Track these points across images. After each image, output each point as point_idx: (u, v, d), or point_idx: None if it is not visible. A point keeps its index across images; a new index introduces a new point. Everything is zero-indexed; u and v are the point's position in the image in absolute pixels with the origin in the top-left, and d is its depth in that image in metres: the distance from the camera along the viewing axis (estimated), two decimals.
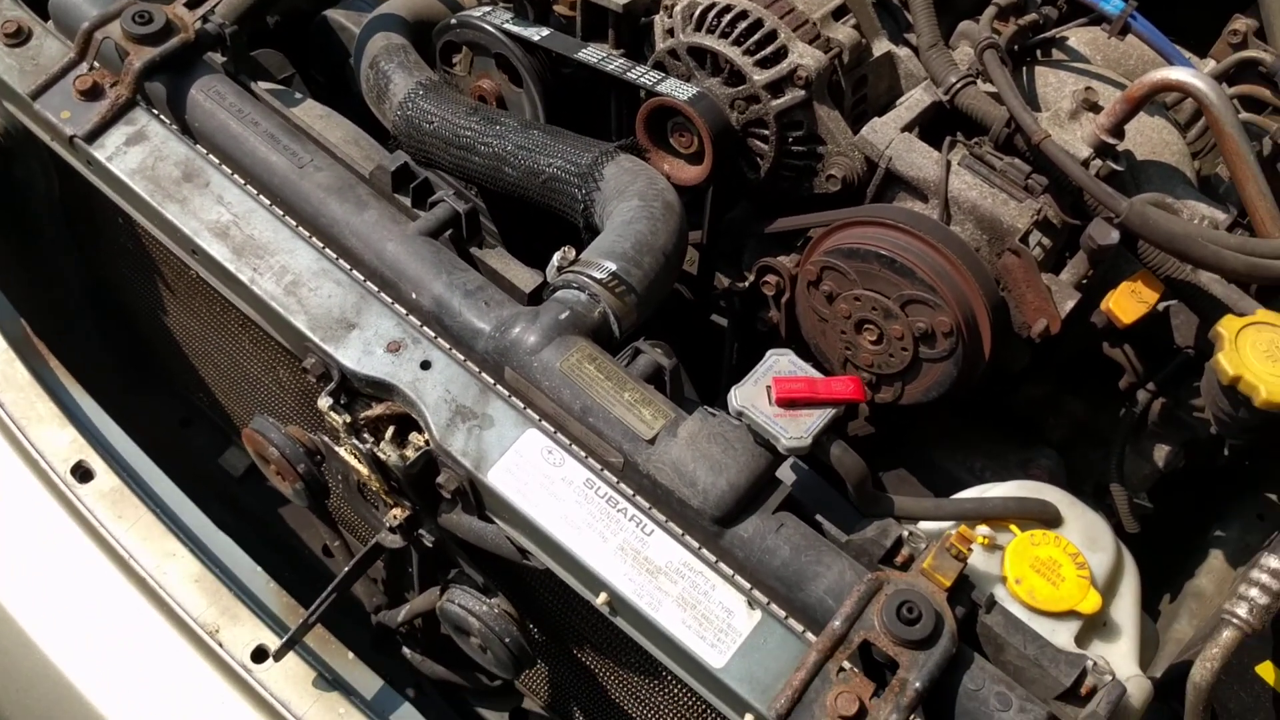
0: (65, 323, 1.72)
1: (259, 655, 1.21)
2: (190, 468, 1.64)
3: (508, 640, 1.21)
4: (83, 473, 1.31)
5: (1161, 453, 1.40)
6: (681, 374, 1.15)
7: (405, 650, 1.49)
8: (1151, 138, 1.37)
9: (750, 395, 1.05)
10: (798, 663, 0.97)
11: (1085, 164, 1.26)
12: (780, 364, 1.07)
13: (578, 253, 1.16)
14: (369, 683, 1.26)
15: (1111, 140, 1.27)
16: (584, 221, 1.26)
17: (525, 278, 1.20)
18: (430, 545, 1.22)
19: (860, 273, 1.23)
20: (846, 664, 0.98)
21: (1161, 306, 1.31)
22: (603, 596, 1.04)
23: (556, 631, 1.34)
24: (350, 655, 1.27)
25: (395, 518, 1.17)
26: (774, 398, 1.04)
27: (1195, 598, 1.44)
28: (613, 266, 1.13)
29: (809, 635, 1.03)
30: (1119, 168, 1.29)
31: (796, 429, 1.03)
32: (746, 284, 1.37)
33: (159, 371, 1.78)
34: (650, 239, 1.17)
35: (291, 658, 1.22)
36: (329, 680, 1.21)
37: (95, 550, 1.25)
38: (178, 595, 1.24)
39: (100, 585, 1.24)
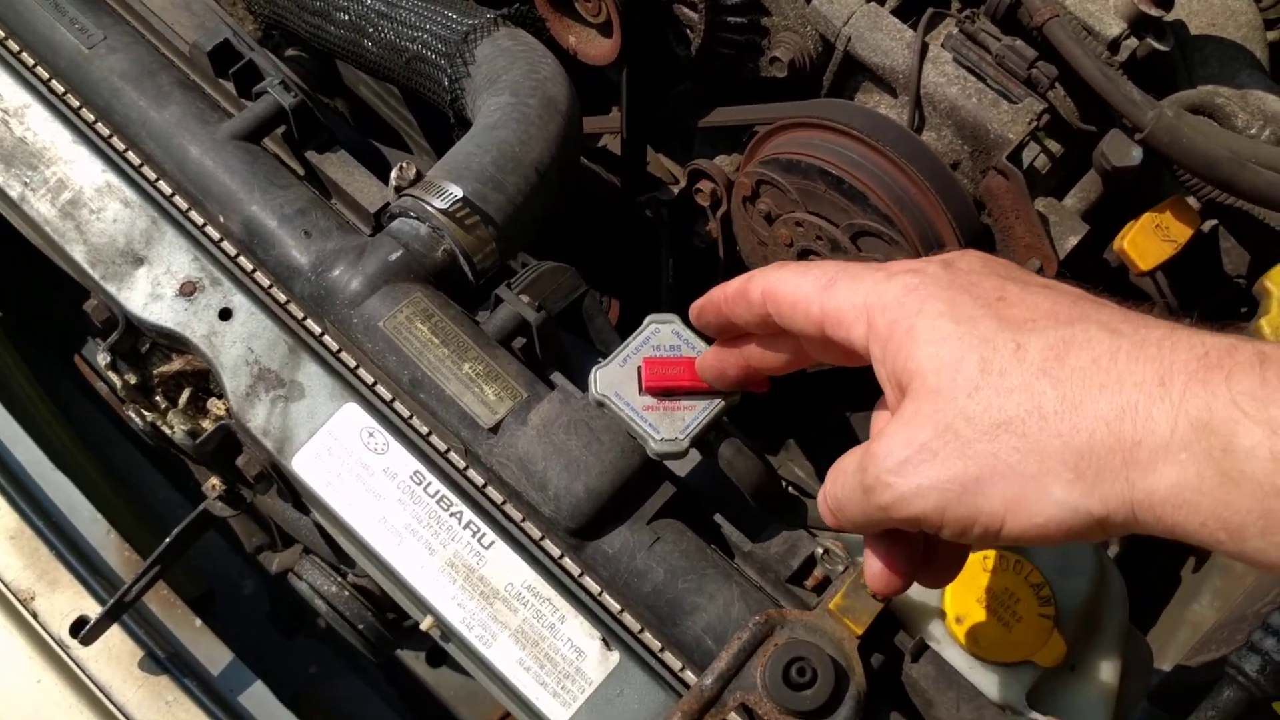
0: None
1: (78, 628, 1.04)
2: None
3: (361, 627, 1.01)
4: None
5: None
6: (554, 329, 0.89)
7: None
8: (1212, 3, 1.04)
9: (614, 380, 0.80)
10: None
11: (1116, 44, 0.95)
12: (660, 336, 0.82)
13: (427, 165, 0.90)
14: (216, 656, 1.08)
15: (1156, 10, 0.95)
16: (454, 115, 1.00)
17: (374, 193, 0.94)
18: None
19: (802, 192, 0.95)
20: (731, 718, 0.76)
21: (1207, 226, 1.02)
22: (429, 620, 0.83)
23: None
24: (198, 623, 1.09)
25: (215, 487, 0.96)
26: (644, 385, 0.80)
27: (1222, 572, 1.19)
28: (459, 192, 0.87)
29: (688, 674, 0.82)
30: (1164, 47, 0.98)
31: (671, 427, 0.79)
32: (677, 189, 1.10)
33: None
34: (518, 151, 0.90)
35: (116, 633, 1.04)
36: (157, 661, 1.04)
37: None
38: None
39: None
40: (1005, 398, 0.57)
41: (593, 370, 0.81)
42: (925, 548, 0.70)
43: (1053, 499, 0.56)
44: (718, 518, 0.87)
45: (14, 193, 0.92)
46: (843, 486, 0.65)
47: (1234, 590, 1.17)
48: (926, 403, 0.59)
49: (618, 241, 1.21)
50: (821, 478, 1.32)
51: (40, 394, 1.41)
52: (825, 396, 1.21)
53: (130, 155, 0.94)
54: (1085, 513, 0.56)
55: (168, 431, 0.88)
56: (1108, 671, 0.85)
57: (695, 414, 0.79)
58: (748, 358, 0.75)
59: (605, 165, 1.22)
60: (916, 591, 0.83)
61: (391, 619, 1.04)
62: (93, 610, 1.04)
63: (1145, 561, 1.00)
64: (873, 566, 0.71)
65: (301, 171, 0.96)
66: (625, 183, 1.16)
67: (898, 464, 0.60)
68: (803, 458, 1.31)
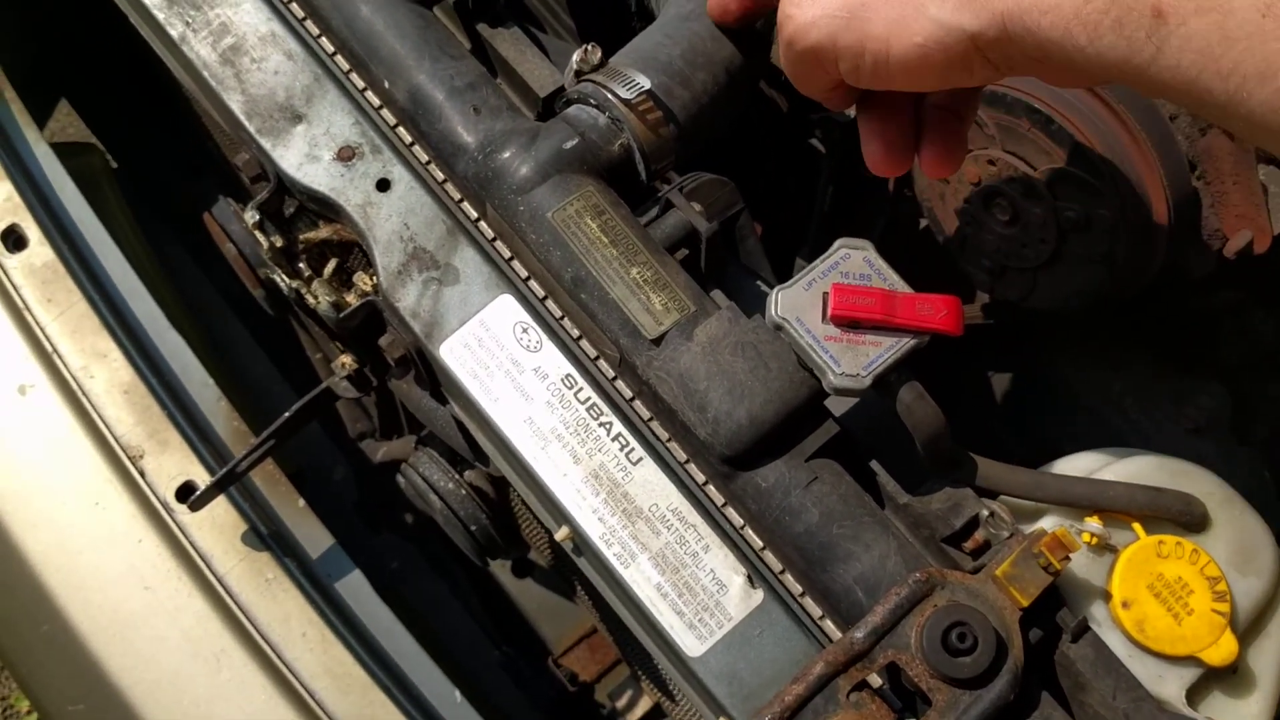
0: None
1: (184, 493, 1.01)
2: (193, 230, 1.42)
3: (474, 528, 0.98)
4: (16, 239, 1.08)
5: None
6: (720, 245, 0.84)
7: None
8: None
9: (797, 303, 0.75)
10: (798, 670, 0.72)
11: None
12: (850, 262, 0.76)
13: (607, 53, 0.85)
14: (317, 539, 1.05)
15: None
16: (636, 3, 0.93)
17: (545, 76, 0.89)
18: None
19: (1001, 128, 0.88)
20: (872, 677, 0.72)
21: None
22: (564, 531, 0.79)
23: None
24: (301, 503, 1.06)
25: (345, 366, 0.92)
26: (829, 312, 0.74)
27: None
28: (647, 83, 0.81)
29: (827, 623, 0.77)
30: None
31: (853, 361, 0.74)
32: (852, 112, 1.03)
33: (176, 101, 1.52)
34: (711, 47, 0.84)
35: (221, 503, 1.01)
36: (260, 536, 1.01)
37: (11, 332, 1.04)
38: (100, 406, 1.03)
39: (9, 376, 1.03)
40: None
41: (774, 291, 0.75)
42: (917, 126, 0.76)
43: (929, 16, 0.61)
44: (874, 464, 0.82)
45: (175, 32, 0.87)
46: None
47: None
48: None
49: (777, 160, 1.15)
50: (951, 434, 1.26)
51: (150, 253, 1.38)
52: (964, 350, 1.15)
53: (295, 6, 0.89)
54: (959, 29, 0.61)
55: (311, 301, 0.83)
56: (1271, 680, 0.79)
57: (881, 351, 0.73)
58: None
59: (769, 79, 1.15)
60: (1083, 569, 0.79)
61: (501, 525, 1.01)
62: (199, 475, 1.01)
63: None
64: (869, 149, 0.76)
65: (469, 45, 0.91)
66: (792, 101, 1.09)
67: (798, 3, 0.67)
68: None
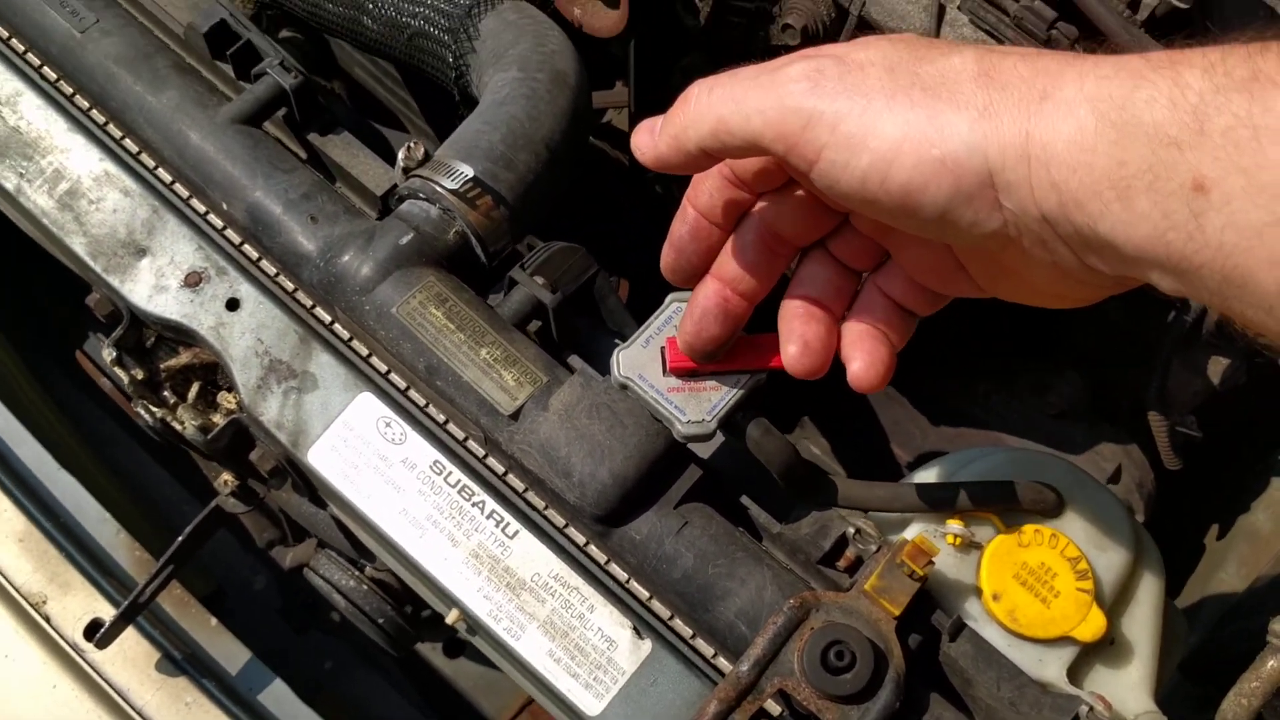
0: None
1: (92, 631, 1.02)
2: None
3: (381, 620, 0.99)
4: None
5: (1218, 367, 1.11)
6: (570, 311, 0.87)
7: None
8: None
9: (638, 361, 0.78)
10: (695, 712, 0.74)
11: (1135, 2, 0.92)
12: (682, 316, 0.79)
13: (431, 147, 0.88)
14: (234, 655, 1.06)
15: None
16: (459, 93, 0.97)
17: (380, 176, 0.92)
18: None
19: None
20: (770, 706, 0.75)
21: None
22: (454, 614, 0.81)
23: None
24: (214, 622, 1.07)
25: (227, 484, 0.94)
26: (668, 365, 0.77)
27: (1248, 538, 1.17)
28: (471, 171, 0.84)
29: (720, 661, 0.80)
30: (1183, 4, 0.95)
31: (697, 408, 0.77)
32: None
33: None
34: (528, 127, 0.87)
35: (131, 635, 1.02)
36: (175, 662, 1.02)
37: None
38: None
39: None
40: (933, 58, 0.58)
41: (615, 352, 0.78)
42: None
43: (958, 134, 0.55)
44: (744, 499, 0.85)
45: (9, 184, 0.89)
46: (733, 75, 0.63)
47: (1261, 557, 1.16)
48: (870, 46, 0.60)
49: (626, 220, 1.19)
50: (839, 455, 1.30)
51: (40, 393, 1.38)
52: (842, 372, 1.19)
53: (128, 143, 0.91)
54: (981, 155, 0.54)
55: (178, 427, 0.85)
56: (1147, 645, 0.83)
57: (721, 395, 0.77)
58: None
59: (611, 142, 1.19)
60: (952, 569, 0.82)
61: (410, 612, 1.02)
62: (106, 612, 1.02)
63: (1168, 529, 0.98)
64: (788, 350, 0.70)
65: (304, 155, 0.94)
66: (633, 159, 1.13)
67: (816, 68, 0.58)
68: (819, 435, 1.28)
